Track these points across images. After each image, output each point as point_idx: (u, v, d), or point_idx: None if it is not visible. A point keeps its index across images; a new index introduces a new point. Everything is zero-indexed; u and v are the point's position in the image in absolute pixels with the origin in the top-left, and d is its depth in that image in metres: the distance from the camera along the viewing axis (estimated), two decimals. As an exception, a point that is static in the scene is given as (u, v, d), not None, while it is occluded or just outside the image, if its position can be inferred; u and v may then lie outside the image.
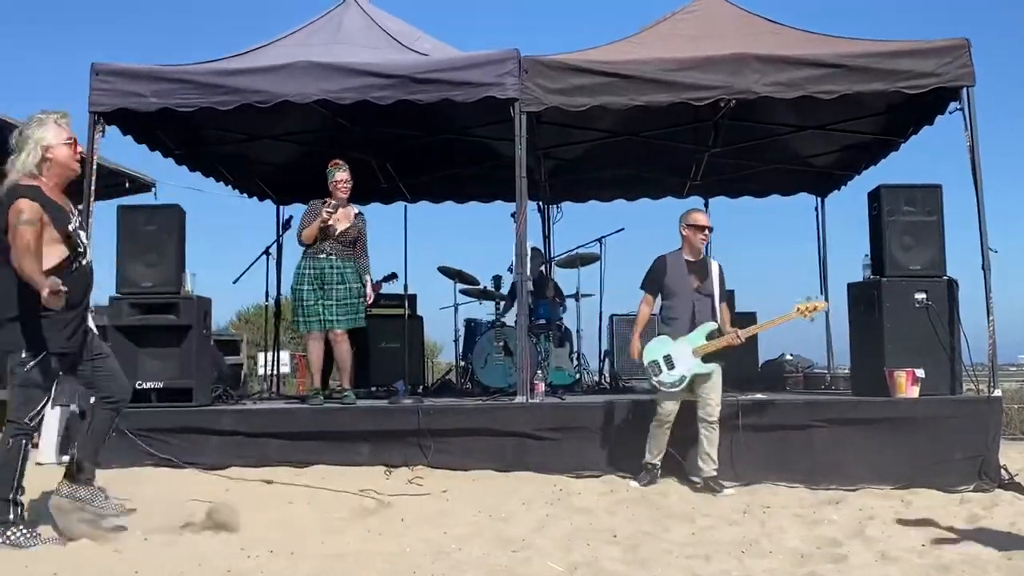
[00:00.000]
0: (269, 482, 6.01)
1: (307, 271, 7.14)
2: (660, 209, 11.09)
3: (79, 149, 4.56)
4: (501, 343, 8.42)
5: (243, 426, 6.57)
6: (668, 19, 7.82)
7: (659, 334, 6.28)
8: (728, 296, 6.53)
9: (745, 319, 7.41)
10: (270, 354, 10.35)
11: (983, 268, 6.57)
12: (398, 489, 5.93)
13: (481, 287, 9.36)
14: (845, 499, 5.80)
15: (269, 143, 9.38)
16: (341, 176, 7.20)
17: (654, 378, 6.08)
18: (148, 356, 6.77)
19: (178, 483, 5.96)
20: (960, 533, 4.86)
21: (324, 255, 7.12)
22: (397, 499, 5.68)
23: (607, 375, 9.97)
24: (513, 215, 7.09)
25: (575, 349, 9.40)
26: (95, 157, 6.96)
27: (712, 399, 6.08)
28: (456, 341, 9.47)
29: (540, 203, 10.77)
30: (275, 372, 10.27)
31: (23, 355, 4.33)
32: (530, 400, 6.78)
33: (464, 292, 9.43)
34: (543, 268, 9.82)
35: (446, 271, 9.32)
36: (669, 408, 6.07)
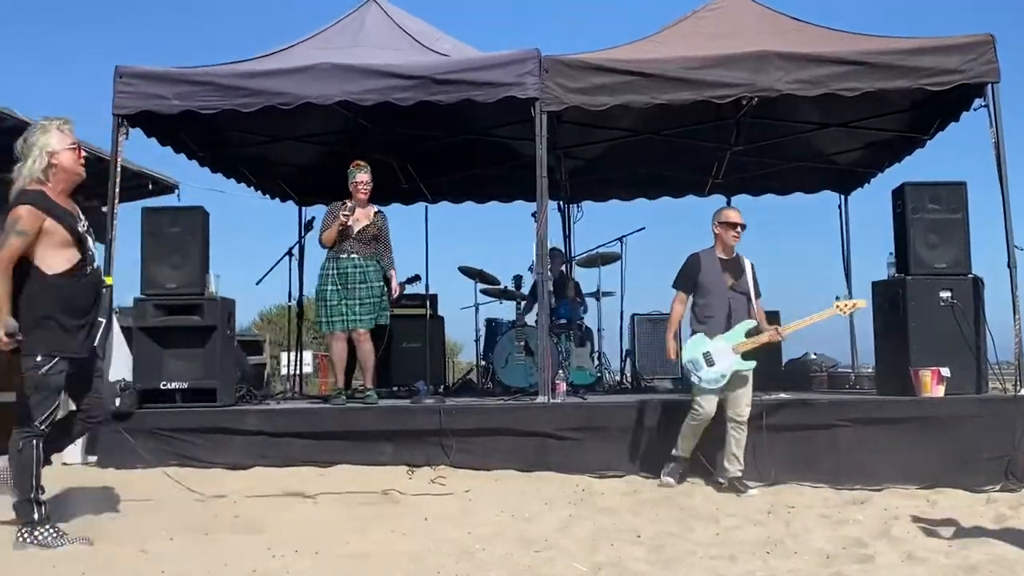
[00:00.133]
0: (293, 483, 6.04)
1: (330, 272, 7.18)
2: (682, 208, 11.08)
3: (83, 154, 4.59)
4: (522, 343, 8.43)
5: (267, 426, 6.60)
6: (690, 17, 7.80)
7: (693, 332, 6.21)
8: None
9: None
10: (293, 354, 10.41)
11: (1009, 266, 6.51)
12: (421, 489, 5.94)
13: (502, 287, 9.37)
14: (870, 499, 5.75)
15: (291, 144, 9.43)
16: (362, 177, 7.23)
17: (693, 375, 6.01)
18: (173, 357, 6.82)
19: (203, 483, 5.99)
20: (987, 533, 4.81)
21: (345, 255, 7.15)
22: (420, 499, 5.70)
23: (628, 375, 9.95)
24: (534, 215, 7.08)
25: (596, 348, 9.40)
26: (119, 160, 7.02)
27: (743, 399, 6.04)
28: (477, 341, 9.48)
29: (561, 202, 10.76)
30: (298, 372, 10.33)
31: (38, 358, 4.35)
32: (552, 400, 6.78)
33: (485, 292, 9.43)
34: (564, 267, 9.82)
35: (467, 271, 9.33)
36: (709, 407, 5.99)
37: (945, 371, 6.43)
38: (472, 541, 4.70)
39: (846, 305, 6.16)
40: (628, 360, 10.06)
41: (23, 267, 4.33)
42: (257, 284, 8.54)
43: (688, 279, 6.27)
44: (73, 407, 4.79)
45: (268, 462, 6.42)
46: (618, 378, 9.86)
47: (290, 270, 9.28)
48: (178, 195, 11.18)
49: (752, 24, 7.56)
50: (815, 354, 9.14)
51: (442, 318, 10.05)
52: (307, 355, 12.63)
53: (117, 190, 6.99)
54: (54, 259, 4.37)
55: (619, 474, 6.34)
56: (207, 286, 6.98)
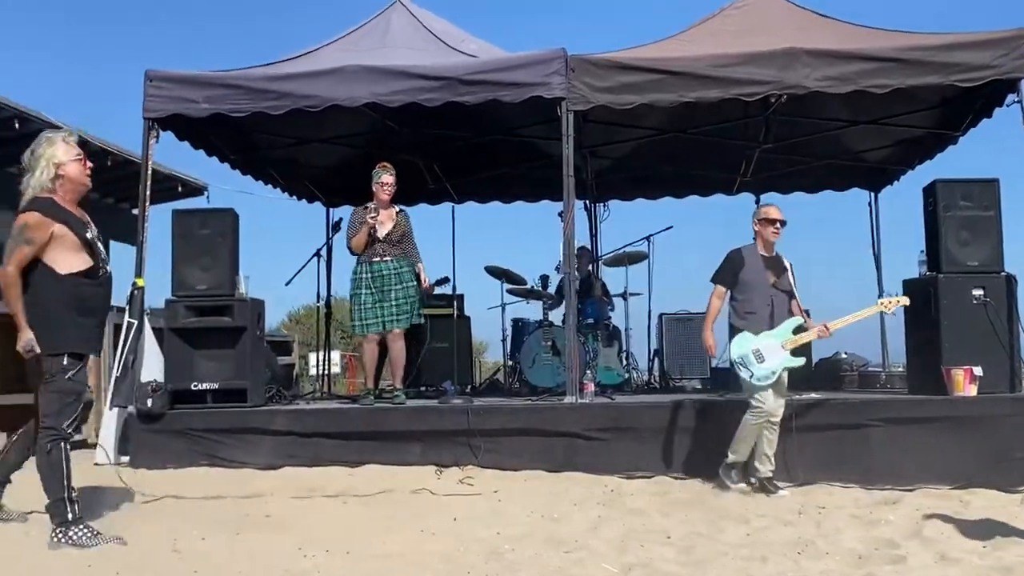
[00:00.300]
0: (322, 483, 6.07)
1: (365, 275, 7.19)
2: (710, 206, 11.03)
3: (88, 165, 4.65)
4: (549, 343, 8.41)
5: (296, 426, 6.65)
6: (717, 15, 7.76)
7: (733, 328, 6.11)
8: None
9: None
10: (321, 354, 10.47)
11: (1043, 263, 6.43)
12: (449, 489, 5.96)
13: (528, 286, 9.36)
14: (902, 499, 5.70)
15: (318, 146, 9.49)
16: (387, 179, 7.25)
17: (744, 372, 5.91)
18: (203, 357, 6.88)
19: (234, 483, 6.05)
20: (1021, 534, 4.75)
21: (379, 258, 7.17)
22: (449, 499, 5.72)
23: (657, 374, 9.92)
24: (560, 214, 7.08)
25: (624, 348, 9.37)
26: (150, 163, 7.09)
27: (779, 399, 6.00)
28: (504, 341, 9.48)
29: (587, 202, 10.75)
30: (326, 372, 10.39)
31: (65, 362, 4.39)
32: (579, 400, 6.77)
33: (511, 292, 9.43)
34: (591, 267, 9.80)
35: (493, 271, 9.34)
36: (770, 403, 5.86)
37: (978, 370, 6.36)
38: (501, 541, 4.70)
39: (890, 302, 6.11)
40: (656, 360, 10.03)
41: (36, 271, 4.38)
42: (286, 285, 8.62)
43: (730, 274, 6.19)
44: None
45: (297, 462, 6.47)
46: (646, 378, 9.84)
47: (318, 271, 9.34)
48: (207, 197, 11.30)
49: (780, 21, 7.51)
50: (846, 353, 9.06)
51: (469, 318, 10.06)
52: (335, 355, 12.69)
53: (148, 193, 7.05)
54: (67, 261, 4.42)
55: (648, 475, 6.32)
56: (237, 287, 7.04)
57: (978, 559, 4.31)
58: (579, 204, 9.92)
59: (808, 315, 6.24)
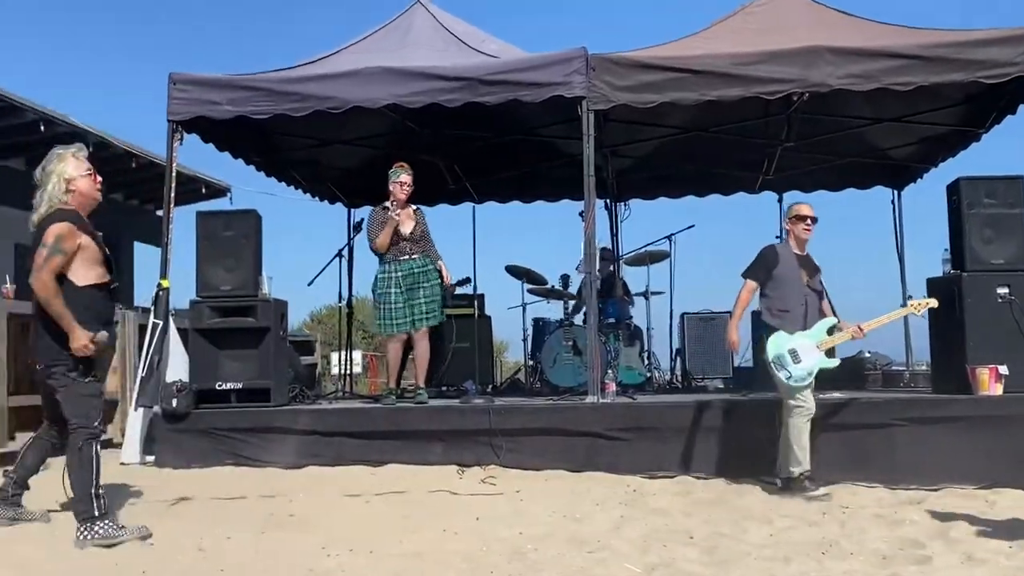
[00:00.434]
0: (345, 482, 6.10)
1: (393, 274, 7.22)
2: (732, 205, 10.98)
3: (98, 179, 4.75)
4: (570, 342, 8.42)
5: (319, 426, 6.69)
6: (738, 13, 7.72)
7: (765, 326, 6.08)
8: None
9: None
10: (343, 354, 10.52)
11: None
12: (471, 489, 5.97)
13: (549, 286, 9.37)
14: (926, 499, 5.66)
15: (340, 148, 9.54)
16: (406, 178, 7.27)
17: (781, 373, 5.83)
18: (228, 358, 6.94)
19: (258, 482, 6.09)
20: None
21: (406, 257, 7.22)
22: (471, 499, 5.73)
23: (679, 374, 9.89)
24: (581, 214, 7.08)
25: (645, 348, 9.35)
26: (174, 165, 7.16)
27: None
28: (524, 340, 9.49)
29: (608, 201, 10.72)
30: (348, 372, 10.44)
31: (81, 367, 4.53)
32: (601, 400, 6.76)
33: (532, 291, 9.45)
34: (612, 266, 9.80)
35: (514, 270, 9.35)
36: (811, 401, 5.83)
37: (1003, 369, 6.30)
38: (524, 541, 4.71)
39: (919, 304, 6.09)
40: (678, 359, 10.01)
41: (33, 282, 4.48)
42: (309, 285, 8.69)
43: (764, 270, 6.13)
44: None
45: (320, 461, 6.51)
46: (668, 378, 9.82)
47: (340, 271, 9.39)
48: (230, 198, 11.39)
49: (802, 19, 7.47)
50: (869, 352, 9.00)
51: (489, 318, 10.07)
52: (356, 355, 12.75)
53: (172, 195, 7.12)
54: (86, 273, 4.55)
55: (670, 474, 6.30)
56: (260, 288, 7.09)
57: (1005, 559, 4.27)
58: (600, 203, 9.92)
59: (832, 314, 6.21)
